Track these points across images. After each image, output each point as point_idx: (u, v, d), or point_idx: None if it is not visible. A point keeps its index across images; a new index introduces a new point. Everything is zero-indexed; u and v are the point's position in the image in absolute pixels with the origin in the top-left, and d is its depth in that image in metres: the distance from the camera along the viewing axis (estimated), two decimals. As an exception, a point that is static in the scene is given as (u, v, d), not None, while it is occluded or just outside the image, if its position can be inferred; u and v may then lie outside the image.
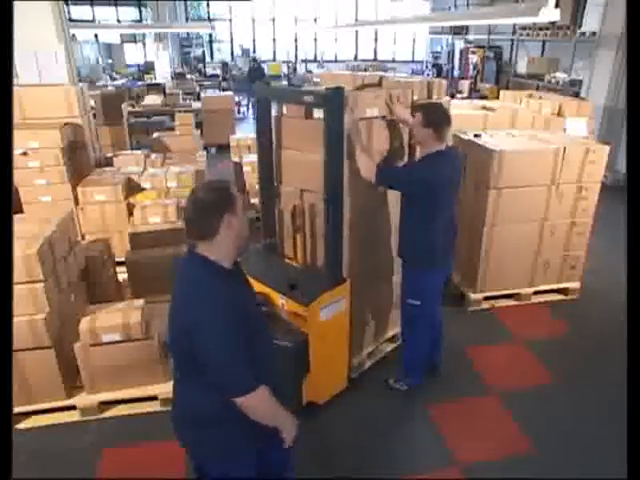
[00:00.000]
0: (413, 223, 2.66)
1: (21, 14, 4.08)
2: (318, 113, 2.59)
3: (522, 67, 10.59)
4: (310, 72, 14.77)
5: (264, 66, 17.51)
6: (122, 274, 3.76)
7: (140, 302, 2.82)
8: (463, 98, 11.56)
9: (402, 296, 2.83)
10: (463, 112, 4.61)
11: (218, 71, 16.68)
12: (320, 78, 3.84)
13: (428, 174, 2.52)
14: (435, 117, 2.54)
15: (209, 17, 18.19)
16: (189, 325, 1.47)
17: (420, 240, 2.64)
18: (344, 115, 2.46)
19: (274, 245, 3.10)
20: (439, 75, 16.61)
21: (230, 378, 1.48)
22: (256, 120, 2.90)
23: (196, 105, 9.37)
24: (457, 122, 4.26)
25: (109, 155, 5.15)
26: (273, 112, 2.88)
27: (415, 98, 2.98)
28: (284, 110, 2.82)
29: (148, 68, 13.49)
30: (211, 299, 1.47)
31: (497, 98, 7.12)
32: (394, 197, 2.87)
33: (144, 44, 16.06)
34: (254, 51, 18.73)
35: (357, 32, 18.59)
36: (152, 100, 9.13)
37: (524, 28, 10.24)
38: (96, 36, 16.17)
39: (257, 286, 2.59)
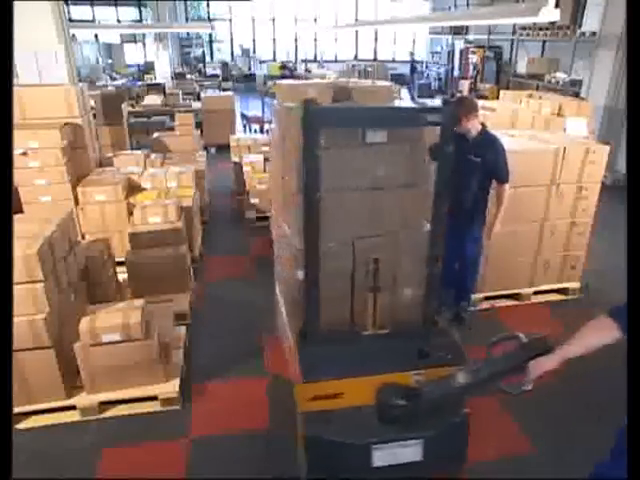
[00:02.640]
0: (487, 193, 3.36)
1: (21, 14, 4.08)
2: (377, 137, 2.14)
3: (522, 67, 10.59)
4: (309, 72, 14.74)
5: (264, 66, 17.59)
6: (122, 274, 3.77)
7: (140, 302, 2.81)
8: (463, 98, 11.50)
9: (471, 247, 3.46)
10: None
11: (218, 71, 16.70)
12: (276, 90, 3.26)
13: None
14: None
15: (209, 17, 18.21)
16: None
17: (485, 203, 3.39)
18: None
19: (315, 327, 2.33)
20: (412, 73, 16.61)
21: None
22: (305, 158, 2.02)
23: (196, 105, 9.38)
24: (457, 122, 4.28)
25: (109, 155, 5.16)
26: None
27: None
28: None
29: (148, 68, 13.50)
30: None
31: (497, 98, 7.13)
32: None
33: (144, 44, 16.06)
34: (254, 51, 18.75)
35: (357, 32, 18.59)
36: (152, 100, 9.15)
37: (524, 28, 10.24)
38: (96, 36, 16.18)
39: (363, 386, 2.10)
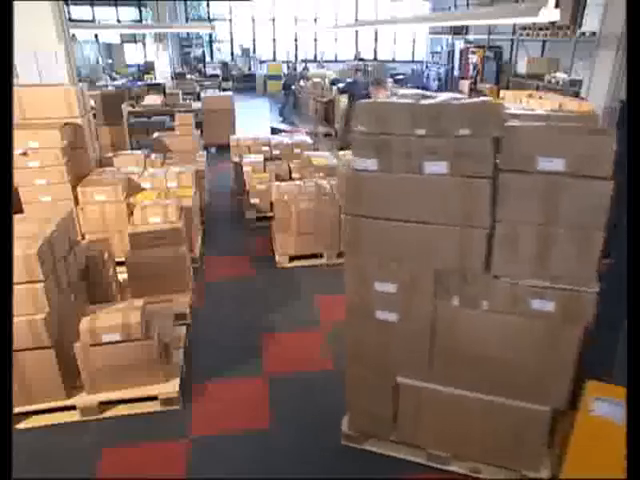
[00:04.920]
0: None
1: (21, 14, 4.08)
2: (435, 167, 1.95)
3: (522, 67, 10.59)
4: (307, 70, 14.64)
5: (264, 66, 17.57)
6: (122, 274, 3.76)
7: (140, 302, 2.81)
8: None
9: None
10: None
11: (218, 71, 16.71)
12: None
13: None
14: None
15: (209, 17, 18.20)
16: None
17: None
18: None
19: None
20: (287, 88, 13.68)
21: None
22: None
23: (196, 105, 9.38)
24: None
25: (109, 155, 5.15)
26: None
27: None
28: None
29: (148, 68, 13.50)
30: None
31: (497, 98, 7.12)
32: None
33: (144, 44, 16.08)
34: (254, 51, 18.75)
35: (357, 32, 18.59)
36: (152, 100, 9.15)
37: (524, 28, 10.25)
38: (96, 36, 16.19)
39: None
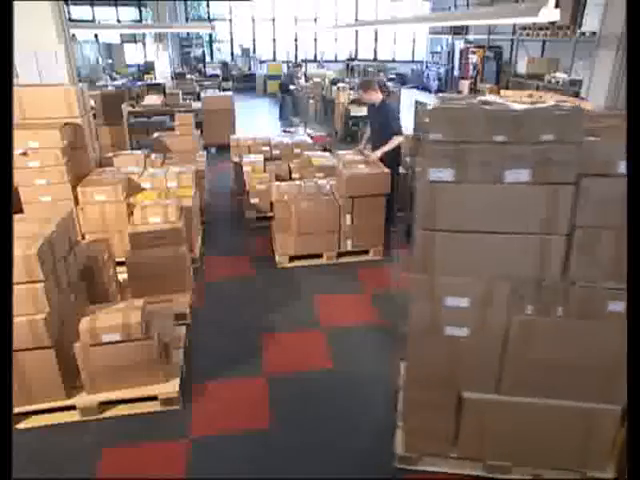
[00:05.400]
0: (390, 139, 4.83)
1: (21, 14, 4.08)
2: (517, 174, 1.89)
3: (522, 67, 10.60)
4: (299, 66, 14.49)
5: (264, 66, 17.55)
6: (122, 274, 3.77)
7: (140, 302, 2.81)
8: (463, 98, 11.50)
9: None
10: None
11: (218, 71, 16.71)
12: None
13: None
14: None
15: (209, 17, 18.21)
16: None
17: None
18: None
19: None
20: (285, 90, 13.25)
21: None
22: None
23: (196, 105, 9.38)
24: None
25: (109, 155, 5.15)
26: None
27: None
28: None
29: (148, 68, 13.51)
30: None
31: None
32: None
33: (144, 44, 16.09)
34: (254, 51, 18.75)
35: (357, 32, 18.60)
36: (152, 100, 9.14)
37: (524, 28, 10.26)
38: (96, 36, 16.20)
39: None
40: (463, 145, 1.90)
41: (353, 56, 17.34)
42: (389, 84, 10.71)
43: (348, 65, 17.15)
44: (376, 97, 4.79)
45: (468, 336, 2.17)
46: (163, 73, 12.37)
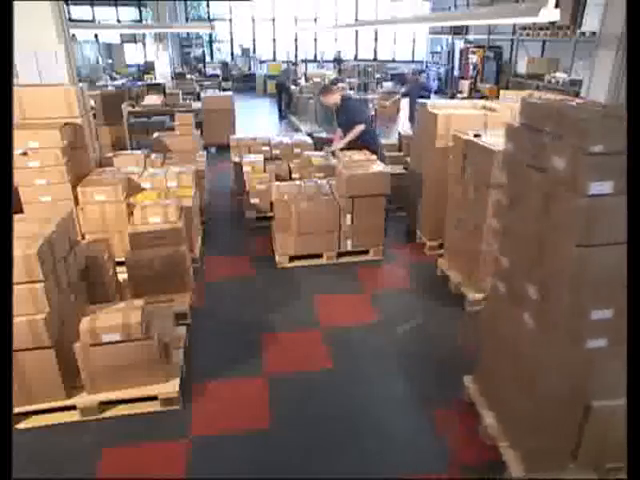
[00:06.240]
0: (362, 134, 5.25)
1: (21, 14, 4.08)
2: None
3: (522, 67, 10.60)
4: (295, 64, 14.50)
5: (264, 66, 17.53)
6: (122, 274, 3.76)
7: (140, 302, 2.81)
8: (463, 98, 11.57)
9: None
10: (463, 112, 4.60)
11: (218, 71, 16.72)
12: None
13: None
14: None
15: (209, 17, 18.21)
16: None
17: None
18: None
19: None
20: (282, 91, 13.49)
21: None
22: None
23: (196, 105, 9.38)
24: (457, 122, 4.28)
25: (109, 155, 5.15)
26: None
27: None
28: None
29: (148, 68, 13.51)
30: None
31: (497, 98, 7.13)
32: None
33: (144, 44, 16.09)
34: (254, 51, 18.76)
35: (357, 32, 18.60)
36: (152, 100, 9.14)
37: (524, 28, 10.26)
38: (96, 36, 16.22)
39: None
40: (623, 155, 1.82)
41: (341, 57, 17.20)
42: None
43: (334, 66, 16.96)
44: (335, 98, 5.25)
45: (607, 346, 2.12)
46: (163, 73, 12.37)
